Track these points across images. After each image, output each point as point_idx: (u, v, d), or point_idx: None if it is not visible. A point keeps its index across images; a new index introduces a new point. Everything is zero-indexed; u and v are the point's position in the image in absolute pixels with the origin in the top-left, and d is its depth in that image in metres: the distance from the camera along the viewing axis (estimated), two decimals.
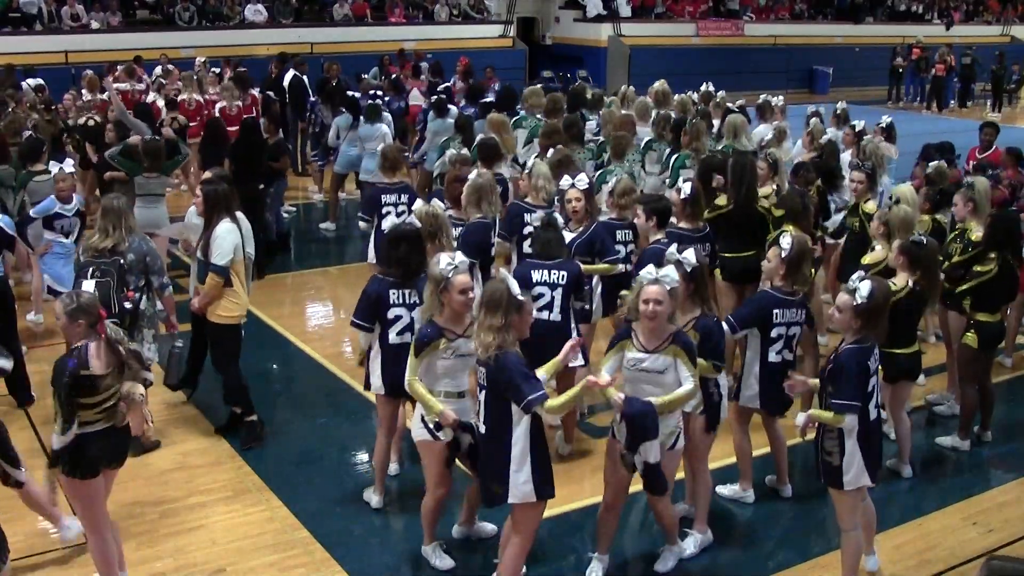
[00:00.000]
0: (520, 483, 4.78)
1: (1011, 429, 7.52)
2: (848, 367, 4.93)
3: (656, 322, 4.95)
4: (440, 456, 5.26)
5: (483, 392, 4.82)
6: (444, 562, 5.53)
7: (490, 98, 13.25)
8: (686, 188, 7.03)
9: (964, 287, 6.95)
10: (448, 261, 5.02)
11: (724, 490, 6.33)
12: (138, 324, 6.53)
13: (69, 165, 8.21)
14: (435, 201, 6.66)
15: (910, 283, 6.20)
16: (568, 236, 6.77)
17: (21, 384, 7.43)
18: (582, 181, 6.95)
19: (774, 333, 5.88)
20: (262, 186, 10.60)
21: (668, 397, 4.99)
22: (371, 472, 6.61)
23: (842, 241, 8.28)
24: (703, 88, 13.47)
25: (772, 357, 5.90)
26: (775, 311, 5.86)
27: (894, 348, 6.18)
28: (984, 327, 6.90)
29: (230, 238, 6.63)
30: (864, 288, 4.93)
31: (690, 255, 5.31)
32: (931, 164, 8.73)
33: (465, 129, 10.93)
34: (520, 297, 4.77)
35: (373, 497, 6.17)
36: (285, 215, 12.48)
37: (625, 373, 5.15)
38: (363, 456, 6.90)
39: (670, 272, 4.99)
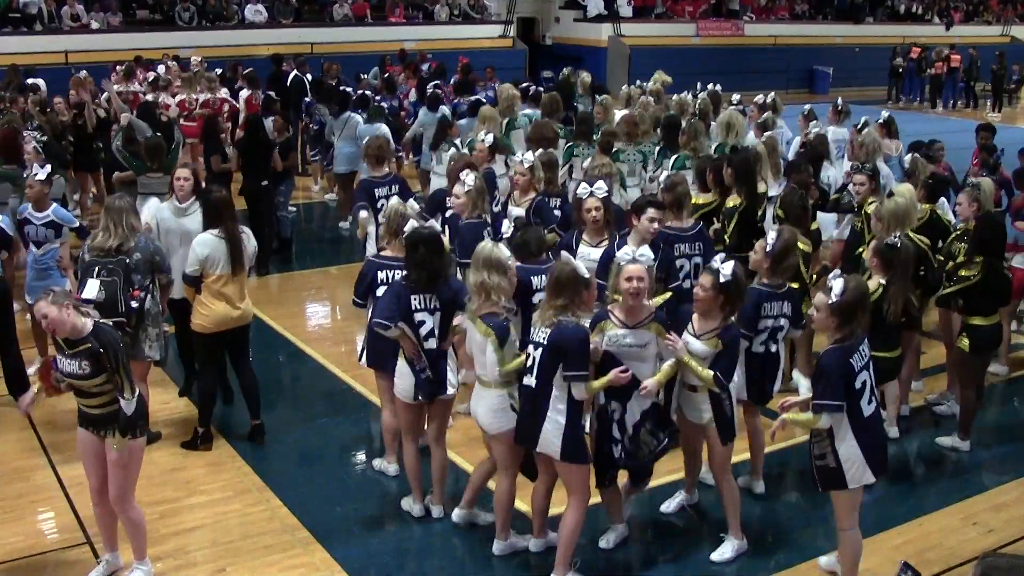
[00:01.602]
0: (551, 438, 5.06)
1: (1011, 429, 7.51)
2: (828, 368, 4.92)
3: (639, 299, 5.17)
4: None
5: (539, 350, 5.06)
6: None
7: (479, 96, 13.43)
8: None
9: (949, 291, 6.89)
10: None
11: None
12: (143, 323, 6.54)
13: (43, 172, 7.81)
14: (411, 202, 6.70)
15: (881, 283, 6.21)
16: (592, 252, 6.56)
17: (21, 385, 7.42)
18: (601, 189, 6.67)
19: (761, 326, 5.95)
20: (266, 182, 10.67)
21: (659, 376, 5.24)
22: (371, 472, 6.63)
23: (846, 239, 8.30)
24: (710, 88, 13.48)
25: (756, 348, 5.99)
26: (764, 305, 5.94)
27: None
28: (977, 331, 6.85)
29: (199, 250, 6.56)
30: (837, 285, 4.94)
31: (727, 268, 5.32)
32: (905, 157, 8.75)
33: (441, 127, 11.01)
34: (586, 275, 5.14)
35: (414, 506, 6.05)
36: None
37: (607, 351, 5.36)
38: (363, 456, 6.91)
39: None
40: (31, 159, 9.34)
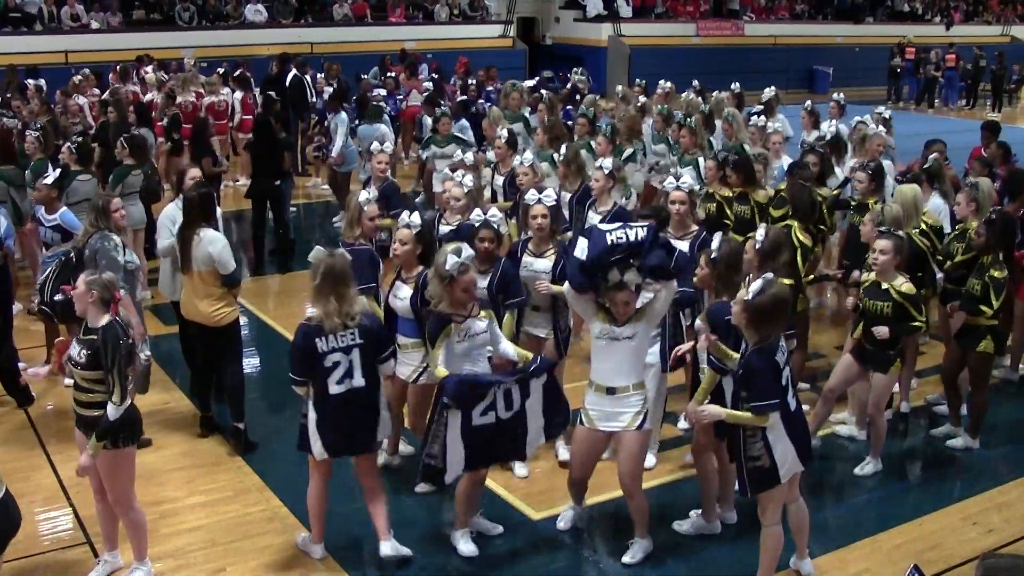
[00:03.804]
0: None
1: (1011, 429, 7.51)
2: (758, 370, 4.82)
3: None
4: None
5: (355, 351, 5.25)
6: (469, 548, 5.61)
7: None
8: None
9: (997, 304, 6.62)
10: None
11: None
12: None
13: (51, 176, 7.81)
14: (370, 194, 6.78)
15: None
16: (535, 262, 6.36)
17: (20, 384, 7.44)
18: (549, 197, 6.42)
19: None
20: (279, 182, 10.80)
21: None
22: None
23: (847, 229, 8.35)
24: (699, 86, 13.52)
25: None
26: None
27: None
28: (995, 330, 6.82)
29: (167, 240, 6.90)
30: (754, 285, 4.84)
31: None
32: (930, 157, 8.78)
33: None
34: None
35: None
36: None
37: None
38: None
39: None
40: (41, 152, 9.38)
